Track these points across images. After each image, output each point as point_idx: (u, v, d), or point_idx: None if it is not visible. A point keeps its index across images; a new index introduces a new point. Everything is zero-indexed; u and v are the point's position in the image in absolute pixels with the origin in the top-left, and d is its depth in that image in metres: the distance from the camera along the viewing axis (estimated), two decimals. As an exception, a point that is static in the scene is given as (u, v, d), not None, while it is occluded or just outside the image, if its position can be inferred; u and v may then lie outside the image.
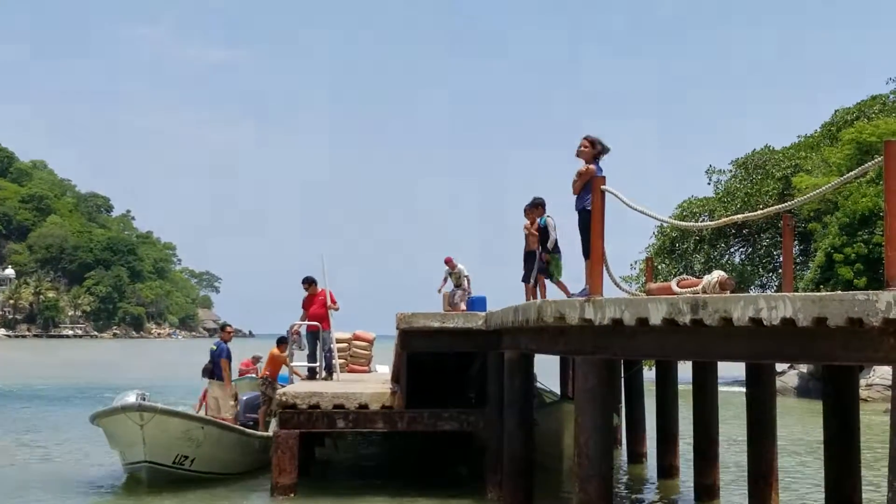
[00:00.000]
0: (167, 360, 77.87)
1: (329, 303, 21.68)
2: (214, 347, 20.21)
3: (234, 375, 23.98)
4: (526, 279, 17.27)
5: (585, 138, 13.78)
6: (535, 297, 16.71)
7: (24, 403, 38.46)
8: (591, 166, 13.57)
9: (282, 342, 21.89)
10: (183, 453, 17.72)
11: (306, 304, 21.95)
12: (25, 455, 22.81)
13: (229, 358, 20.56)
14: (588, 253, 12.38)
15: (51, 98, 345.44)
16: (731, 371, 31.02)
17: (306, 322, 21.66)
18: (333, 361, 21.72)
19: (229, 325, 23.46)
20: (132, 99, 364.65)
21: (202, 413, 20.09)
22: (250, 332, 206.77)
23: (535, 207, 17.10)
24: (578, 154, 13.72)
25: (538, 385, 22.87)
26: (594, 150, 13.71)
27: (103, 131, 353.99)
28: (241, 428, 19.73)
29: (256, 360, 27.84)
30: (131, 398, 18.03)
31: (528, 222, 17.32)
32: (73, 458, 22.19)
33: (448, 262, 20.25)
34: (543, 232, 16.49)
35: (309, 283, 21.93)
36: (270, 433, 20.00)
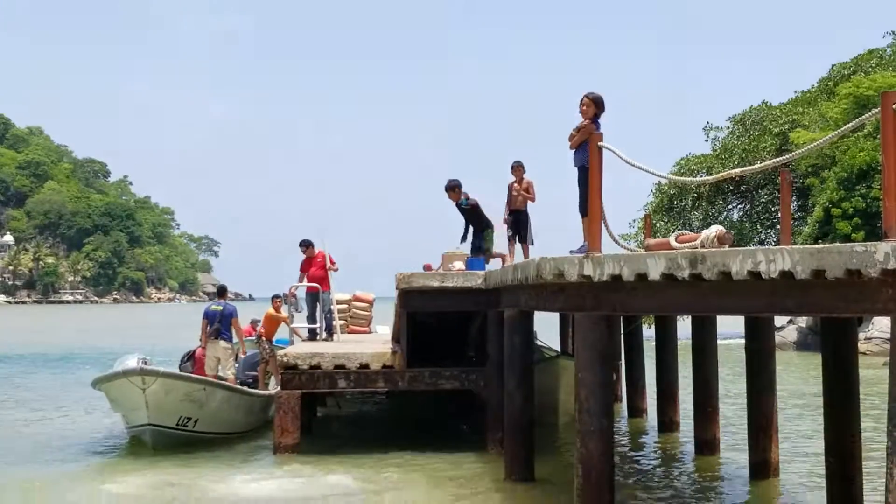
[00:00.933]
0: (170, 323, 77.96)
1: (328, 264, 21.75)
2: (220, 308, 20.17)
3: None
4: (512, 239, 17.37)
5: (587, 96, 13.77)
6: (513, 257, 16.86)
7: (24, 368, 38.58)
8: (588, 121, 13.60)
9: (276, 298, 21.95)
10: (186, 415, 17.80)
11: (304, 266, 22.00)
12: (27, 420, 22.88)
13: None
14: (585, 210, 12.54)
15: (46, 64, 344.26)
16: (730, 328, 31.07)
17: (305, 283, 21.72)
18: (334, 322, 21.80)
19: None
20: (128, 64, 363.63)
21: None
22: (250, 296, 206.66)
23: (516, 168, 17.22)
24: (582, 113, 13.73)
25: (538, 343, 22.95)
26: (595, 108, 13.73)
27: (99, 97, 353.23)
28: (243, 388, 19.81)
29: (256, 324, 27.90)
30: (132, 362, 18.09)
31: (515, 180, 17.40)
32: (75, 423, 22.26)
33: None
34: (472, 212, 16.75)
35: (306, 245, 22.00)
36: (271, 392, 20.12)
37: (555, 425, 19.87)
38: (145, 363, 18.07)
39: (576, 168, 13.85)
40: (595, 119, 13.71)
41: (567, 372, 19.65)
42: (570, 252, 12.83)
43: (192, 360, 21.22)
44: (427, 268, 20.84)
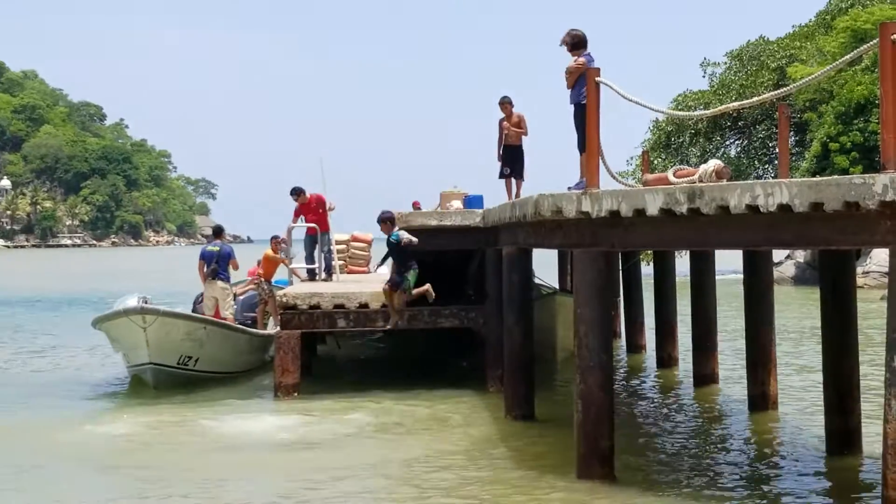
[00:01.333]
0: (169, 266, 78.02)
1: (328, 205, 21.71)
2: (217, 249, 20.13)
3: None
4: (503, 175, 17.32)
5: (568, 34, 13.72)
6: (510, 194, 16.82)
7: (24, 310, 38.61)
8: (582, 59, 13.48)
9: (275, 239, 21.96)
10: (187, 354, 17.91)
11: (298, 213, 21.94)
12: (29, 362, 22.98)
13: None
14: (584, 146, 12.37)
15: (40, 6, 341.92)
16: (728, 264, 31.13)
17: (304, 224, 21.67)
18: (333, 262, 21.80)
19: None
20: (119, 6, 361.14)
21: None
22: (248, 238, 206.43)
23: (504, 104, 17.12)
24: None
25: (537, 281, 22.99)
26: (571, 42, 13.62)
27: (93, 39, 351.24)
28: (243, 327, 19.90)
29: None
30: (133, 301, 18.12)
31: (504, 116, 17.32)
32: (76, 363, 22.39)
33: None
34: (399, 248, 16.66)
35: (297, 192, 21.85)
36: (270, 332, 20.18)
37: (552, 361, 19.94)
38: (146, 302, 18.11)
39: (571, 105, 13.78)
40: (581, 52, 13.59)
41: (564, 308, 19.69)
42: (568, 188, 12.83)
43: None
44: (415, 205, 20.87)
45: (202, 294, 20.97)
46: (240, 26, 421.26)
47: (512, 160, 17.39)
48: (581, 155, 13.15)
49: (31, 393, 18.32)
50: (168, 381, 17.71)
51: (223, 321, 19.19)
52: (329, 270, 21.62)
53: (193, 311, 20.72)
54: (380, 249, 28.41)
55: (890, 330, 7.55)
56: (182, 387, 17.62)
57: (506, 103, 17.29)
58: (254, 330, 20.38)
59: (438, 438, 13.57)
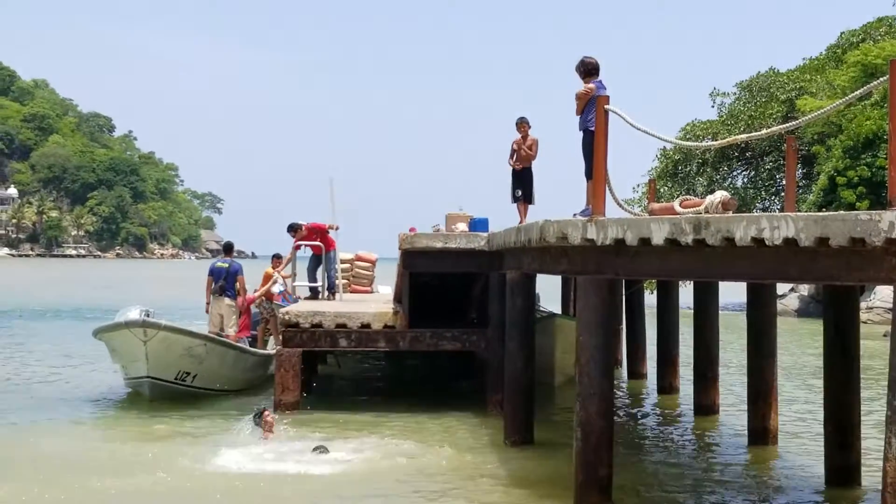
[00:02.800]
0: (175, 278, 78.00)
1: (328, 227, 21.64)
2: (226, 265, 20.15)
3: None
4: (515, 198, 17.26)
5: (581, 61, 14.00)
6: (523, 217, 16.78)
7: (25, 320, 38.57)
8: (591, 85, 13.64)
9: (276, 258, 21.95)
10: (185, 370, 17.90)
11: (297, 248, 21.88)
12: (27, 371, 22.92)
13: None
14: (591, 173, 12.69)
15: (52, 15, 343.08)
16: (730, 298, 31.12)
17: (311, 243, 21.64)
18: (336, 281, 21.76)
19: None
20: (133, 18, 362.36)
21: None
22: (252, 254, 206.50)
23: (521, 125, 17.11)
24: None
25: (541, 309, 23.02)
26: (584, 69, 13.93)
27: (104, 50, 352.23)
28: (243, 346, 19.84)
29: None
30: (134, 314, 18.10)
31: (520, 137, 17.26)
32: (74, 374, 22.27)
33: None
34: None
35: (294, 229, 21.68)
36: (269, 351, 20.14)
37: (550, 385, 19.89)
38: (147, 315, 18.08)
39: (580, 132, 13.83)
40: (591, 78, 13.83)
41: (563, 331, 19.64)
42: (574, 215, 12.85)
43: None
44: (412, 231, 20.83)
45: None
46: (253, 43, 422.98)
47: (523, 183, 17.34)
48: (588, 182, 13.49)
49: (26, 404, 18.15)
50: (164, 396, 17.68)
51: (224, 338, 19.17)
52: (332, 289, 21.59)
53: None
54: (382, 268, 28.44)
55: (892, 368, 7.51)
56: (182, 400, 17.58)
57: (523, 124, 17.21)
58: (254, 349, 20.32)
59: (436, 461, 13.50)
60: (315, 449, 13.56)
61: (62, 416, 16.92)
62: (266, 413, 14.33)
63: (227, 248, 21.96)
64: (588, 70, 13.94)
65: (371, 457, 13.63)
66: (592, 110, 12.54)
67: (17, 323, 37.71)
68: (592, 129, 12.55)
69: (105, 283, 73.81)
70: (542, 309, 23.10)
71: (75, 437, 15.09)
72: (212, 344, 18.43)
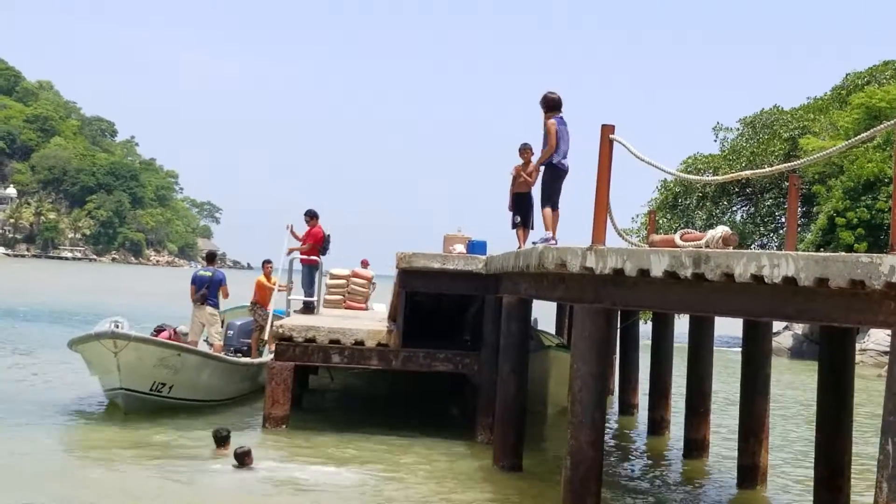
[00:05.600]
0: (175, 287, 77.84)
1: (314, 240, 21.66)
2: (209, 274, 20.07)
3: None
4: (514, 224, 17.23)
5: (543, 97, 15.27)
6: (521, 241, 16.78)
7: (9, 324, 38.10)
8: (550, 121, 14.92)
9: (267, 263, 21.90)
10: (160, 381, 17.61)
11: (306, 237, 21.91)
12: (5, 378, 22.27)
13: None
14: (546, 202, 14.85)
15: (59, 18, 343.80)
16: (721, 331, 31.06)
17: (299, 250, 21.60)
18: (314, 297, 21.68)
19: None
20: (140, 25, 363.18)
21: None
22: (248, 265, 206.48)
23: (524, 150, 17.17)
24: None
25: (540, 331, 22.99)
26: (545, 107, 15.16)
27: (109, 55, 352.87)
28: (223, 356, 19.61)
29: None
30: (107, 325, 17.77)
31: (522, 163, 17.22)
32: (54, 383, 21.77)
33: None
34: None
35: (311, 216, 21.85)
36: (254, 360, 20.00)
37: (543, 414, 19.88)
38: (117, 326, 17.51)
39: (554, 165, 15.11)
40: (552, 114, 15.06)
41: (557, 363, 19.69)
42: (533, 243, 13.20)
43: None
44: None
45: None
46: (259, 55, 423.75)
47: (524, 209, 17.30)
48: (542, 209, 15.01)
49: (3, 411, 17.45)
50: (141, 407, 17.40)
51: (198, 349, 18.96)
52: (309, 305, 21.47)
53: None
54: (381, 286, 28.41)
55: (887, 412, 7.48)
56: (172, 413, 17.39)
57: (526, 150, 17.18)
58: (236, 358, 20.06)
59: (422, 484, 13.44)
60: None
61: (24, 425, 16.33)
62: (248, 457, 13.82)
63: (210, 257, 21.94)
64: (550, 105, 15.04)
65: (358, 480, 13.54)
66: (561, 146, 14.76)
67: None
68: (554, 162, 14.82)
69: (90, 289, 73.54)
70: (541, 332, 23.10)
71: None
72: (186, 354, 18.11)
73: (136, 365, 17.16)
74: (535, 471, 14.49)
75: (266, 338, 19.83)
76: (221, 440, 14.47)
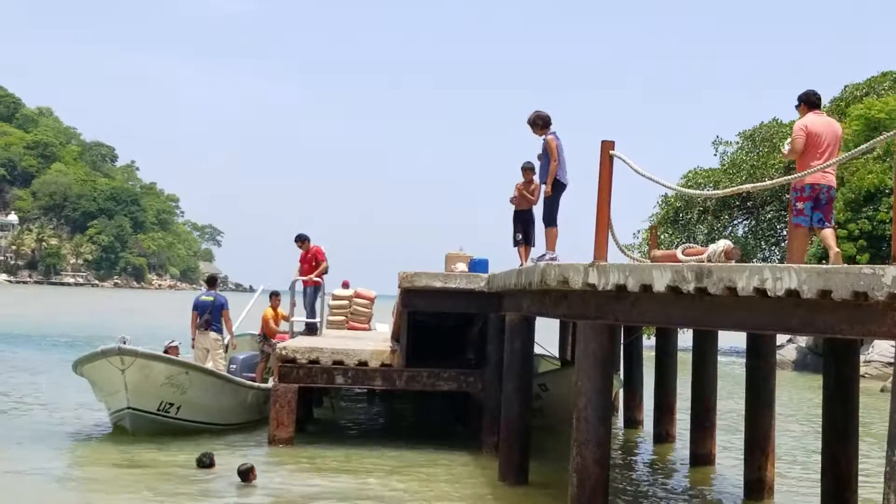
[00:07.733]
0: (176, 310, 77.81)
1: (316, 260, 21.65)
2: (211, 299, 19.99)
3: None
4: (516, 242, 17.26)
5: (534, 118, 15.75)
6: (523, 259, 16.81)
7: (12, 349, 38.02)
8: (550, 137, 15.46)
9: (274, 296, 21.88)
10: (168, 400, 17.32)
11: (302, 259, 21.94)
12: (8, 403, 22.24)
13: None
14: (549, 221, 15.17)
15: (57, 44, 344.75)
16: (730, 342, 31.06)
17: (304, 277, 21.61)
18: (316, 319, 21.65)
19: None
20: (140, 50, 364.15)
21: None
22: (250, 287, 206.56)
23: (527, 171, 17.24)
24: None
25: (543, 352, 22.97)
26: (540, 124, 15.64)
27: (108, 80, 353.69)
28: (230, 375, 19.45)
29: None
30: (112, 343, 17.51)
31: (524, 181, 17.26)
32: (56, 407, 21.56)
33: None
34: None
35: (301, 240, 21.85)
36: (262, 385, 19.89)
37: (568, 435, 19.78)
38: (124, 342, 16.98)
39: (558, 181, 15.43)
40: (545, 131, 15.60)
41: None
42: (533, 260, 13.20)
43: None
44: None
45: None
46: (260, 77, 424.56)
47: (524, 226, 17.33)
48: (546, 228, 15.38)
49: (5, 437, 17.33)
50: (147, 429, 17.13)
51: (206, 367, 18.80)
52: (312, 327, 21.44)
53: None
54: (382, 306, 28.39)
55: (892, 423, 7.48)
56: (177, 436, 17.18)
57: (528, 169, 17.24)
58: (243, 380, 19.77)
59: (428, 502, 13.42)
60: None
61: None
62: (251, 473, 13.83)
63: (211, 282, 21.82)
64: (546, 122, 15.64)
65: (362, 496, 13.53)
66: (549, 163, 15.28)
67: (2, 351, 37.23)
68: (565, 182, 15.34)
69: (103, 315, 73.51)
70: (543, 352, 23.10)
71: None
72: (194, 372, 17.86)
73: (143, 383, 16.89)
74: (541, 486, 14.46)
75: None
76: (205, 467, 14.50)
